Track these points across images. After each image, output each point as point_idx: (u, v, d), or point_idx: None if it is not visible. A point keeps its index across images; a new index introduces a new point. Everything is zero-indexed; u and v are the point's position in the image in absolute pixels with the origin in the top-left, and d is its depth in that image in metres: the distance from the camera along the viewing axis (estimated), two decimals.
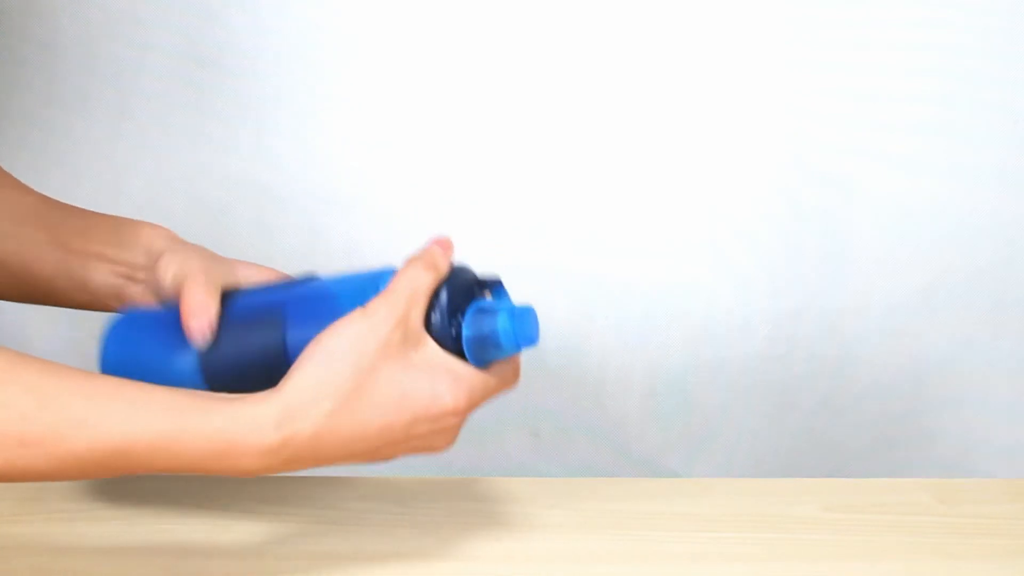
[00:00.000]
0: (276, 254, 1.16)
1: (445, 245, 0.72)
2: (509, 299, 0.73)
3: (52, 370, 0.64)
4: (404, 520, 0.78)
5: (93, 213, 0.83)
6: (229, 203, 1.17)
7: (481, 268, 0.74)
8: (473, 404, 0.68)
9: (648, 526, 0.78)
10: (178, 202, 1.17)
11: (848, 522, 0.79)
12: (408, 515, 0.79)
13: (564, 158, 1.17)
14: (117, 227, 0.81)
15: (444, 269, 0.70)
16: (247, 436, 0.64)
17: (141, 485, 0.81)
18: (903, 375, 1.22)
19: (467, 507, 0.80)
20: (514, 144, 1.17)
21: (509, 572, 0.73)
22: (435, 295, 0.69)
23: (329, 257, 1.15)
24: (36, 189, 0.86)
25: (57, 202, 0.84)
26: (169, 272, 0.75)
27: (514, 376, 0.72)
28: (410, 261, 0.70)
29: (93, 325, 0.78)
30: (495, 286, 0.73)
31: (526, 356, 0.74)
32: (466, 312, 0.70)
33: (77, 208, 0.84)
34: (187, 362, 0.72)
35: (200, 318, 0.72)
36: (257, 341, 0.71)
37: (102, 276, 0.79)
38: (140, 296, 0.78)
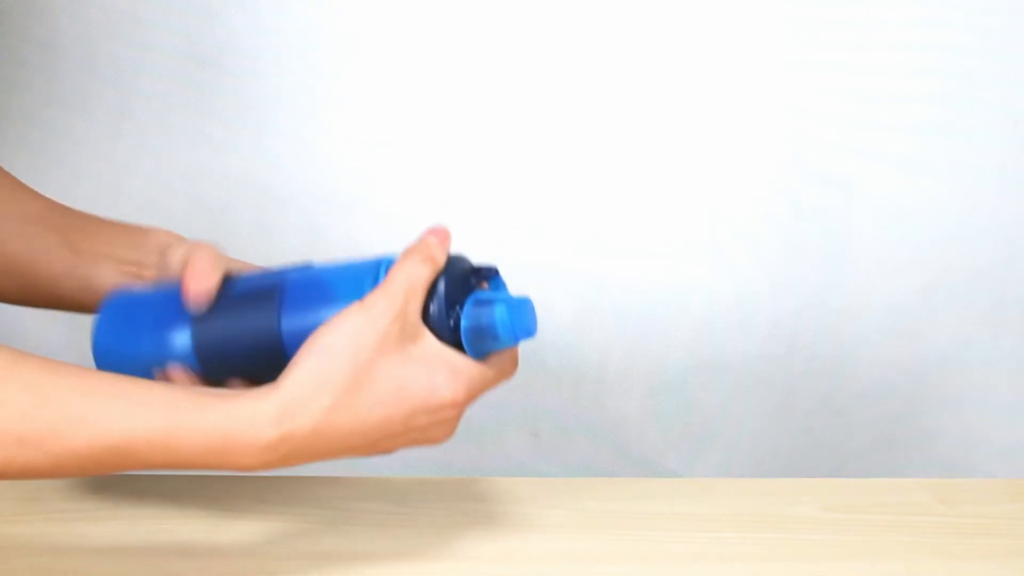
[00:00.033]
0: (276, 254, 1.15)
1: (442, 236, 0.71)
2: (506, 289, 0.73)
3: (51, 368, 0.64)
4: (404, 520, 0.78)
5: (102, 218, 0.84)
6: (229, 203, 1.17)
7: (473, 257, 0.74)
8: (472, 396, 0.68)
9: (648, 526, 0.78)
10: (178, 202, 1.17)
11: (848, 522, 0.79)
12: (408, 515, 0.79)
13: (564, 158, 1.17)
14: (126, 230, 0.82)
15: (441, 261, 0.70)
16: (246, 432, 0.64)
17: (141, 485, 0.81)
18: (903, 375, 1.22)
19: (467, 507, 0.80)
20: (514, 144, 1.17)
21: (509, 572, 0.73)
22: (432, 287, 0.69)
23: (329, 257, 1.15)
24: (36, 189, 0.86)
25: (65, 207, 0.84)
26: (176, 256, 0.76)
27: (512, 366, 0.72)
28: (407, 253, 0.70)
29: (92, 325, 0.78)
30: (492, 276, 0.73)
31: (526, 356, 0.74)
32: (464, 304, 0.70)
33: (85, 213, 0.84)
34: (181, 338, 0.72)
35: (200, 283, 0.72)
36: (251, 322, 0.71)
37: (109, 275, 0.79)
38: None
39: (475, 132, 1.16)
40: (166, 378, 0.72)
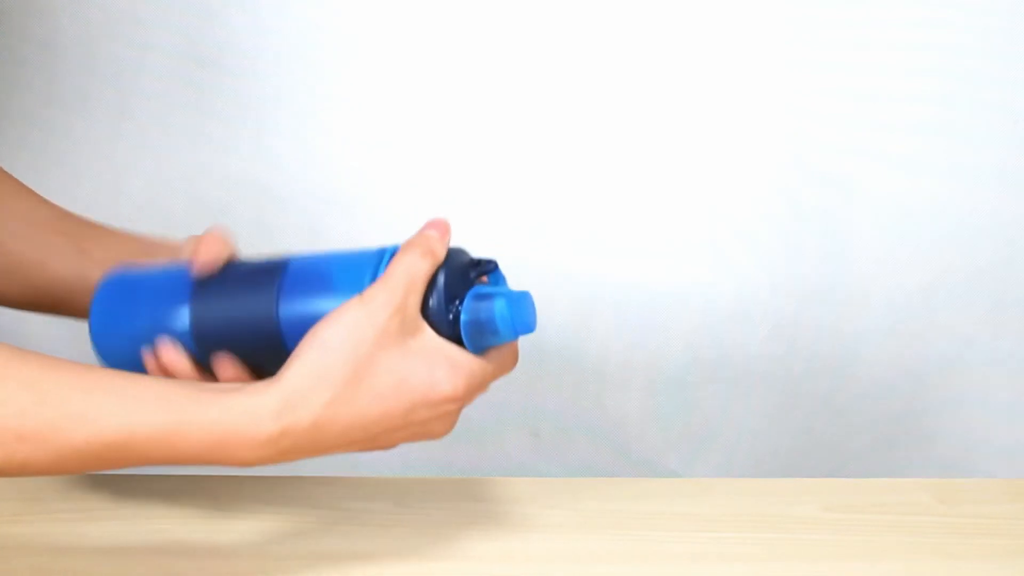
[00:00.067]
0: None
1: (442, 229, 0.71)
2: (506, 283, 0.73)
3: (50, 365, 0.64)
4: (404, 520, 0.78)
5: (112, 228, 0.84)
6: (229, 203, 1.17)
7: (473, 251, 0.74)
8: (471, 390, 0.68)
9: (648, 526, 0.78)
10: (178, 202, 1.17)
11: (848, 522, 0.79)
12: (408, 515, 0.79)
13: (564, 158, 1.17)
14: (137, 239, 0.83)
15: (441, 255, 0.70)
16: (246, 427, 0.64)
17: (141, 485, 0.81)
18: (903, 375, 1.22)
19: (467, 507, 0.80)
20: (514, 144, 1.17)
21: (509, 572, 0.73)
22: (432, 281, 0.69)
23: None
24: (36, 189, 0.87)
25: (74, 214, 0.85)
26: (189, 244, 0.76)
27: (512, 360, 0.72)
28: (407, 246, 0.70)
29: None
30: (492, 270, 0.73)
31: (526, 355, 0.74)
32: (463, 298, 0.70)
33: (95, 222, 0.84)
34: (179, 314, 0.72)
35: (209, 253, 0.72)
36: (250, 303, 0.71)
37: None
38: None
39: (475, 132, 1.16)
40: (157, 356, 0.72)
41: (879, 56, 1.14)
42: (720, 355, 1.21)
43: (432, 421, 0.68)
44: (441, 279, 0.69)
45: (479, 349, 0.70)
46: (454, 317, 0.69)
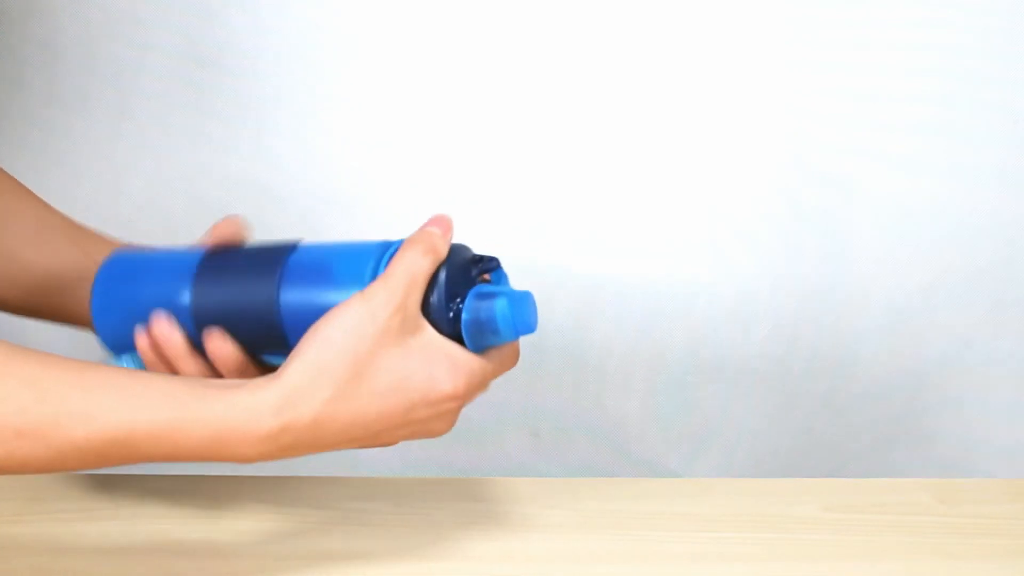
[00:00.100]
0: None
1: (445, 226, 0.71)
2: (508, 282, 0.73)
3: (50, 362, 0.64)
4: (403, 520, 0.78)
5: (120, 242, 0.84)
6: (229, 203, 1.17)
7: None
8: (472, 389, 0.69)
9: (648, 526, 0.78)
10: (178, 202, 1.17)
11: (848, 522, 0.79)
12: (408, 515, 0.79)
13: (564, 158, 1.17)
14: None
15: (443, 252, 0.70)
16: (246, 423, 0.64)
17: (141, 485, 0.81)
18: (903, 375, 1.22)
19: (467, 507, 0.80)
20: (514, 144, 1.17)
21: (509, 572, 0.73)
22: (433, 278, 0.69)
23: None
24: (36, 189, 0.87)
25: (85, 226, 0.85)
26: (200, 239, 0.77)
27: (513, 359, 0.72)
28: (409, 243, 0.70)
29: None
30: (494, 268, 0.72)
31: (526, 355, 0.74)
32: (465, 296, 0.70)
33: (104, 235, 0.84)
34: (180, 294, 0.72)
35: (225, 230, 0.74)
36: (251, 288, 0.71)
37: None
38: None
39: (475, 132, 1.16)
40: (150, 330, 0.72)
41: (879, 56, 1.14)
42: (720, 355, 1.21)
43: (432, 420, 0.68)
44: (442, 277, 0.69)
45: (480, 348, 0.70)
46: (455, 315, 0.69)
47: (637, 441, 1.24)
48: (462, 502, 0.81)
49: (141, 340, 0.73)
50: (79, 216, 0.88)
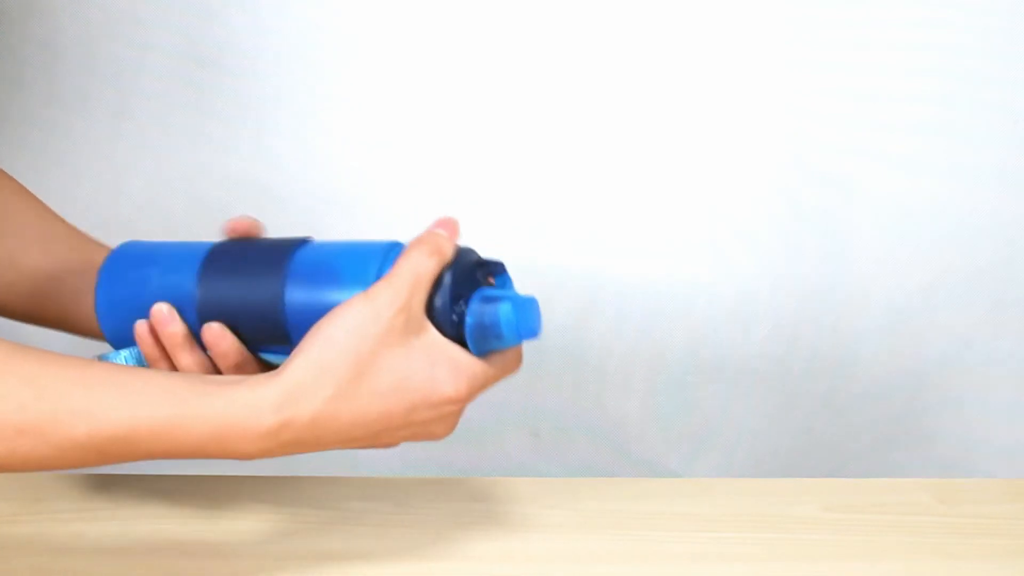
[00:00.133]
0: None
1: (451, 228, 0.71)
2: (512, 286, 0.72)
3: (50, 360, 0.64)
4: (403, 520, 0.78)
5: None
6: (229, 203, 1.17)
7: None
8: (473, 392, 0.68)
9: (648, 526, 0.78)
10: (178, 202, 1.17)
11: (848, 522, 0.79)
12: (408, 515, 0.79)
13: (564, 158, 1.17)
14: None
15: (449, 254, 0.70)
16: (246, 419, 0.64)
17: (141, 485, 0.81)
18: (903, 375, 1.22)
19: (467, 507, 0.80)
20: (514, 144, 1.17)
21: (509, 572, 0.73)
22: (438, 280, 0.69)
23: None
24: (36, 189, 0.87)
25: (87, 235, 0.85)
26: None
27: (516, 364, 0.72)
28: (415, 244, 0.70)
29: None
30: (499, 272, 0.72)
31: (526, 355, 0.74)
32: (469, 300, 0.70)
33: (107, 245, 0.84)
34: (187, 287, 0.72)
35: (241, 222, 0.75)
36: (256, 283, 0.71)
37: None
38: None
39: (475, 132, 1.16)
40: (151, 318, 0.72)
41: (879, 56, 1.14)
42: (720, 355, 1.21)
43: (433, 422, 0.68)
44: (447, 279, 0.69)
45: (483, 352, 0.69)
46: (459, 318, 0.69)
47: (637, 441, 1.24)
48: (462, 502, 0.81)
49: (140, 328, 0.73)
50: (79, 216, 0.88)
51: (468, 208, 1.17)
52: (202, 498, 0.80)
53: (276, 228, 1.17)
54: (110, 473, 0.81)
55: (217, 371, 0.73)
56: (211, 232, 1.17)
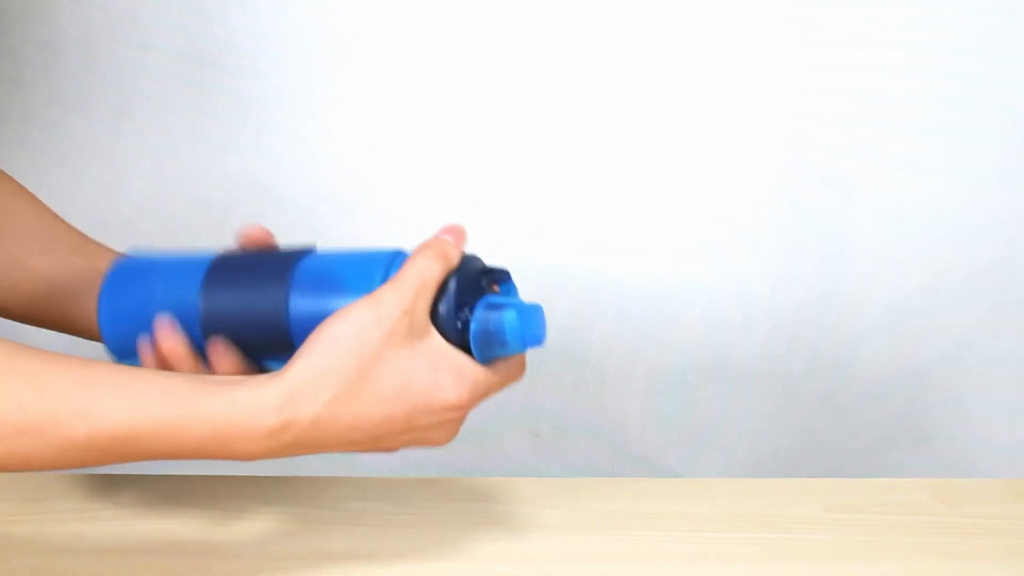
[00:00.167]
0: None
1: (458, 234, 0.71)
2: (517, 294, 0.72)
3: (51, 360, 0.64)
4: (404, 520, 0.78)
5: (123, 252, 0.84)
6: (229, 203, 1.17)
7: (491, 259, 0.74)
8: (475, 400, 0.68)
9: (648, 526, 0.78)
10: (178, 202, 1.17)
11: (848, 522, 0.79)
12: (408, 515, 0.79)
13: (564, 158, 1.17)
14: None
15: (455, 260, 0.70)
16: (247, 419, 0.64)
17: (141, 485, 0.81)
18: (903, 375, 1.22)
19: (467, 507, 0.80)
20: (514, 144, 1.17)
21: (509, 572, 0.73)
22: (443, 286, 0.69)
23: None
24: (36, 189, 0.87)
25: (89, 237, 0.85)
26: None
27: (519, 372, 0.72)
28: (421, 249, 0.70)
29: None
30: (504, 279, 0.72)
31: (526, 354, 0.74)
32: (474, 306, 0.69)
33: (109, 247, 0.84)
34: (189, 300, 0.72)
35: (255, 230, 0.75)
36: (260, 296, 0.71)
37: None
38: None
39: (475, 132, 1.16)
40: (155, 338, 0.72)
41: (879, 56, 1.14)
42: (720, 355, 1.21)
43: (434, 428, 0.68)
44: (453, 285, 0.69)
45: (487, 359, 0.69)
46: (463, 325, 0.69)
47: (637, 441, 1.24)
48: (462, 502, 0.81)
49: (144, 348, 0.73)
50: (79, 216, 0.88)
51: (468, 208, 1.17)
52: (202, 498, 0.80)
53: (276, 228, 1.17)
54: (110, 473, 0.81)
55: None
56: (211, 232, 1.17)
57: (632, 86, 1.15)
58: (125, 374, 0.65)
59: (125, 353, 0.75)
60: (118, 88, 1.15)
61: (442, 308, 0.68)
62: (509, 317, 0.68)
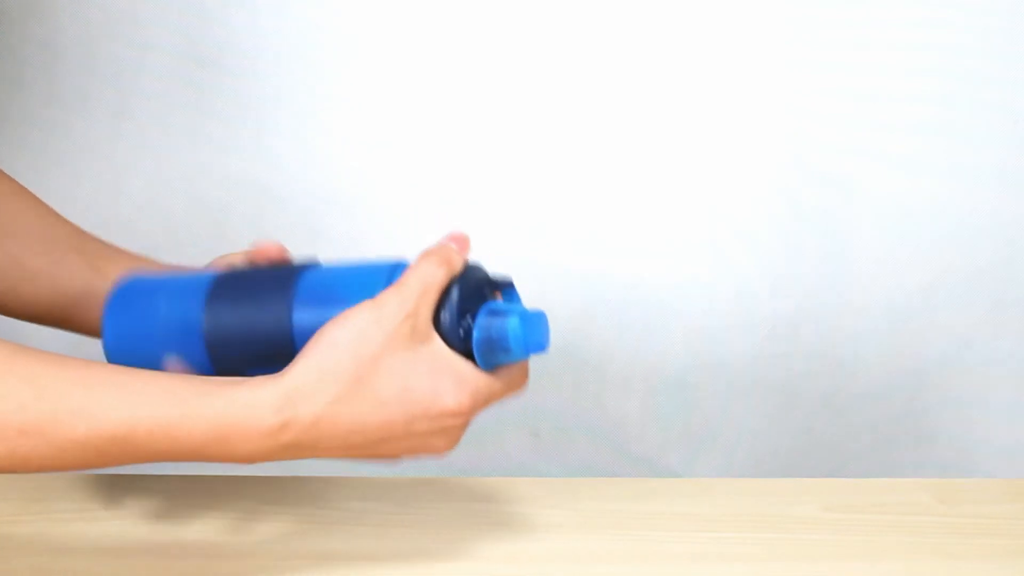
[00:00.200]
0: None
1: (462, 242, 0.71)
2: (520, 302, 0.72)
3: (51, 360, 0.64)
4: (404, 520, 0.78)
5: (125, 249, 0.84)
6: (229, 203, 1.17)
7: (489, 268, 0.73)
8: (476, 407, 0.68)
9: (648, 526, 0.78)
10: (178, 202, 1.17)
11: (848, 522, 0.79)
12: (408, 515, 0.79)
13: (564, 158, 1.17)
14: (150, 261, 0.83)
15: (458, 267, 0.70)
16: (246, 419, 0.64)
17: (141, 485, 0.81)
18: (903, 375, 1.22)
19: (467, 507, 0.80)
20: (514, 144, 1.17)
21: (510, 572, 0.73)
22: (446, 293, 0.69)
23: (329, 257, 1.15)
24: (36, 189, 0.87)
25: (89, 233, 0.85)
26: (237, 261, 0.77)
27: (522, 380, 0.72)
28: (424, 255, 0.69)
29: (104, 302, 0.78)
30: (507, 288, 0.72)
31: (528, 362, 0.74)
32: (476, 313, 0.69)
33: (109, 243, 0.84)
34: (193, 322, 0.72)
35: (271, 247, 0.75)
36: (263, 315, 0.71)
37: None
38: None
39: (475, 132, 1.16)
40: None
41: (879, 56, 1.14)
42: (720, 355, 1.21)
43: (434, 435, 0.68)
44: (455, 291, 0.69)
45: (489, 366, 0.69)
46: (466, 332, 0.69)
47: (637, 441, 1.24)
48: (462, 502, 0.81)
49: None
50: (79, 216, 0.88)
51: (468, 208, 1.17)
52: (202, 498, 0.80)
53: (276, 228, 1.18)
54: (110, 473, 0.81)
55: None
56: (211, 232, 1.17)
57: (632, 86, 1.15)
58: (125, 375, 0.65)
59: None
60: (118, 88, 1.15)
61: (445, 315, 0.68)
62: (512, 324, 0.68)
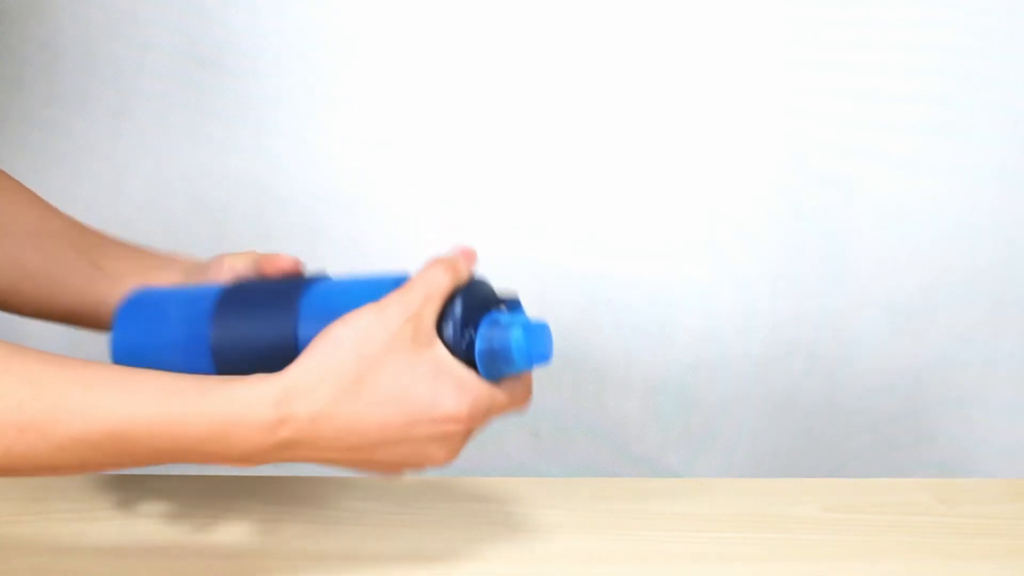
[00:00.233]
0: None
1: (468, 255, 0.71)
2: (524, 314, 0.72)
3: (49, 359, 0.64)
4: (404, 520, 0.78)
5: (123, 241, 0.84)
6: (229, 203, 1.17)
7: (482, 269, 0.73)
8: (477, 416, 0.67)
9: (648, 526, 0.78)
10: (178, 202, 1.17)
11: (848, 522, 0.79)
12: (408, 515, 0.79)
13: (564, 158, 1.17)
14: (148, 253, 0.83)
15: (464, 275, 0.70)
16: (244, 415, 0.64)
17: (141, 485, 0.81)
18: (903, 375, 1.22)
19: (467, 507, 0.80)
20: (514, 144, 1.17)
21: (509, 572, 0.73)
22: (450, 302, 0.69)
23: (329, 257, 1.16)
24: (36, 189, 0.87)
25: (87, 226, 0.85)
26: (238, 262, 0.77)
27: (525, 396, 0.71)
28: (431, 262, 0.70)
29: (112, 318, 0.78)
30: (511, 302, 0.72)
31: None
32: (480, 323, 0.69)
33: (107, 235, 0.84)
34: (199, 337, 0.72)
35: (284, 260, 0.76)
36: (269, 329, 0.71)
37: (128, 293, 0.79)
38: None
39: (475, 132, 1.16)
40: None
41: (879, 56, 1.14)
42: (720, 355, 1.21)
43: (433, 441, 0.67)
44: (460, 300, 0.69)
45: (493, 377, 0.69)
46: (469, 342, 0.69)
47: (637, 441, 1.24)
48: (462, 502, 0.81)
49: None
50: (79, 216, 0.88)
51: (468, 208, 1.17)
52: (202, 498, 0.80)
53: (276, 228, 1.18)
54: (110, 473, 0.81)
55: None
56: (211, 232, 1.17)
57: (632, 86, 1.15)
58: (124, 373, 0.65)
59: None
60: (118, 88, 1.15)
61: (449, 324, 0.68)
62: (515, 333, 0.68)
